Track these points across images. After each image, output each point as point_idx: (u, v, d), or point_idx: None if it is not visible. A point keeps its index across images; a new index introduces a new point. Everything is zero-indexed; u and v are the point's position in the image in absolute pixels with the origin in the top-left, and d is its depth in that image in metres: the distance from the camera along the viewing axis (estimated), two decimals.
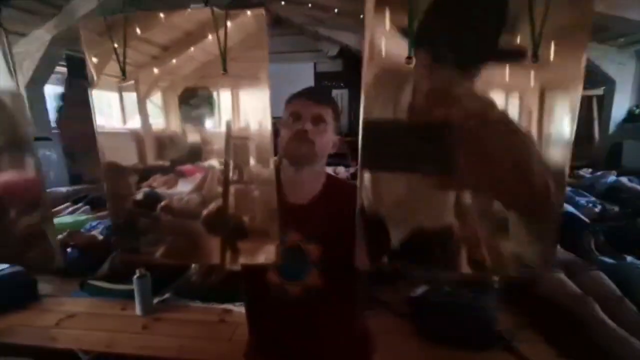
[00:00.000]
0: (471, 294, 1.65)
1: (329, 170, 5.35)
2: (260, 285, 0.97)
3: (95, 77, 0.30)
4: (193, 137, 0.41)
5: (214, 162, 0.40)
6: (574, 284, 1.75)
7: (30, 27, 4.03)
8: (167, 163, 0.42)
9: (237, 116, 0.37)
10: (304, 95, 0.93)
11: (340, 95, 7.53)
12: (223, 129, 0.39)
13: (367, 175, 0.33)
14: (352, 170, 5.60)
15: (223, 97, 0.38)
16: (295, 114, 0.90)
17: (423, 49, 0.27)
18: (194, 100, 0.38)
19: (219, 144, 0.40)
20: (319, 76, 7.53)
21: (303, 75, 7.31)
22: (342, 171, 5.59)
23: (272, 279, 0.96)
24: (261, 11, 0.29)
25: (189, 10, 0.31)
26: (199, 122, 0.40)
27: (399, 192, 0.30)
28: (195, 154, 0.41)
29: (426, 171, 0.29)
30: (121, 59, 0.28)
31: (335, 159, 6.59)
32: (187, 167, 0.42)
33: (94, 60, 0.31)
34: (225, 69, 0.29)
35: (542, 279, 1.82)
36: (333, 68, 7.51)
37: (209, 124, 0.40)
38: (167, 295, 2.08)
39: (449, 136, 0.29)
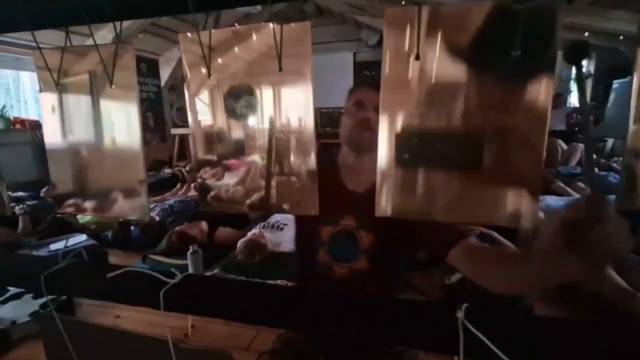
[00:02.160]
0: None
1: None
2: (311, 263, 1.02)
3: (188, 74, 0.39)
4: (237, 134, 0.42)
5: (256, 157, 0.42)
6: (622, 280, 1.67)
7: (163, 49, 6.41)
8: (214, 157, 0.46)
9: (279, 112, 0.39)
10: (368, 84, 0.99)
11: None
12: (265, 125, 0.40)
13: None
14: None
15: (265, 95, 0.41)
16: (359, 103, 0.96)
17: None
18: (238, 97, 0.42)
19: (261, 140, 0.41)
20: (358, 65, 7.45)
21: (342, 65, 7.28)
22: None
23: (321, 259, 0.99)
24: (308, 24, 0.36)
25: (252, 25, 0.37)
26: (242, 119, 0.41)
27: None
28: (239, 149, 0.43)
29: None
30: (207, 62, 0.36)
31: None
32: (232, 161, 0.44)
33: (187, 61, 0.39)
34: (280, 68, 0.37)
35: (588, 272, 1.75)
36: (373, 57, 7.38)
37: (251, 120, 0.41)
38: (215, 271, 2.30)
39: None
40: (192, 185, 4.28)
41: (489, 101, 0.32)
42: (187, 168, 4.93)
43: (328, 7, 6.65)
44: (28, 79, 6.26)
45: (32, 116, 6.17)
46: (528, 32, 0.28)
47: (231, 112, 0.42)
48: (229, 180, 0.46)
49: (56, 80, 0.46)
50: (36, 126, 5.58)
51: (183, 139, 6.46)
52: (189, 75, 0.39)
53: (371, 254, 0.97)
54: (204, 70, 0.39)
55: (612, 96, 5.91)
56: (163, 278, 0.38)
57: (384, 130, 0.35)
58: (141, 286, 0.39)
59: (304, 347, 1.07)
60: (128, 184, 0.45)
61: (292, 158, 0.39)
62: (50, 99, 0.47)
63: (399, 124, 0.35)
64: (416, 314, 0.36)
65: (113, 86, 0.43)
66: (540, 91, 0.29)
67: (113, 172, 0.45)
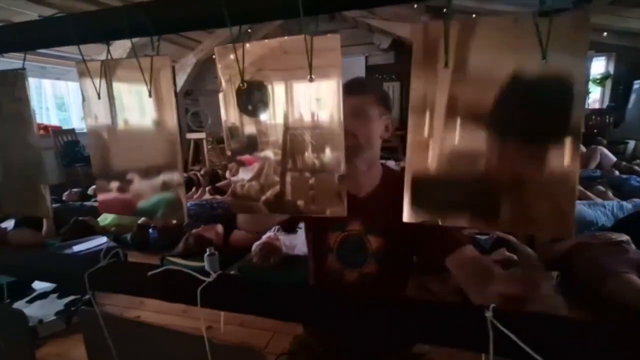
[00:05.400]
0: None
1: None
2: (322, 269, 1.04)
3: (224, 85, 0.41)
4: (250, 129, 0.43)
5: (269, 153, 0.42)
6: None
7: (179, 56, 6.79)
8: (228, 153, 0.45)
9: (292, 108, 0.40)
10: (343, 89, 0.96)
11: (391, 87, 7.41)
12: (278, 121, 0.41)
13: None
14: (402, 164, 5.53)
15: (278, 90, 0.39)
16: None
17: None
18: (250, 93, 0.40)
19: (274, 136, 0.41)
20: (370, 69, 7.45)
21: (354, 69, 7.30)
22: (392, 165, 5.55)
23: (332, 265, 1.01)
24: (337, 36, 0.38)
25: (286, 38, 0.39)
26: (255, 114, 0.41)
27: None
28: (252, 144, 0.43)
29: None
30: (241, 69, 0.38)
31: (385, 152, 6.55)
32: (246, 157, 0.45)
33: (222, 73, 0.42)
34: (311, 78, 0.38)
35: (610, 277, 1.72)
36: (385, 60, 7.38)
37: (264, 116, 0.41)
38: (232, 272, 2.34)
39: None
40: (207, 189, 4.35)
41: (516, 109, 0.33)
42: (202, 172, 5.02)
43: (340, 12, 6.71)
44: (50, 86, 6.51)
45: (54, 122, 6.41)
46: (555, 42, 0.30)
47: (257, 114, 0.44)
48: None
49: (98, 91, 0.49)
50: (58, 132, 5.80)
51: (198, 143, 6.59)
52: (223, 85, 0.42)
53: (380, 257, 0.97)
54: (238, 81, 0.41)
55: (632, 97, 5.75)
56: (199, 276, 0.40)
57: (414, 141, 0.36)
58: (178, 284, 0.41)
59: (320, 349, 1.09)
60: (167, 188, 0.47)
61: (321, 159, 0.41)
62: (92, 108, 0.50)
63: (426, 137, 0.36)
64: (443, 313, 0.37)
65: (151, 97, 0.46)
66: (571, 94, 0.30)
67: (153, 176, 0.48)
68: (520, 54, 0.32)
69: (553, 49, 0.31)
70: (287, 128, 0.43)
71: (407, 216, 0.37)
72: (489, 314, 0.33)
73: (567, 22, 0.29)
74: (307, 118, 0.41)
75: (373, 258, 0.98)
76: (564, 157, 0.33)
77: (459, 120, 0.35)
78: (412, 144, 0.36)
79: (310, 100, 0.41)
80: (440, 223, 0.36)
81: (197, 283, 0.40)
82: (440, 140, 0.36)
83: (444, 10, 0.35)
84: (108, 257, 0.47)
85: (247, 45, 0.40)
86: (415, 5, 5.40)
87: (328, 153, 0.42)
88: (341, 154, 0.40)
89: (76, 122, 6.80)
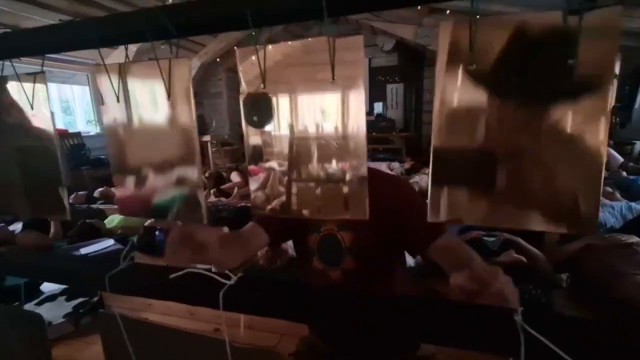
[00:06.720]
0: (535, 290, 1.60)
1: (383, 165, 5.29)
2: (309, 272, 1.06)
3: (245, 87, 0.41)
4: (255, 140, 0.44)
5: (274, 164, 0.44)
6: None
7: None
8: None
9: (296, 119, 0.40)
10: None
11: (395, 89, 7.41)
12: (283, 132, 0.42)
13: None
14: (406, 165, 5.52)
15: (282, 102, 0.40)
16: None
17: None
18: (255, 105, 0.42)
19: (279, 147, 0.42)
20: (373, 71, 7.46)
21: None
22: (396, 166, 5.55)
23: (316, 266, 1.04)
24: (360, 37, 0.38)
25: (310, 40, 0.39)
26: (260, 125, 0.43)
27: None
28: (258, 155, 0.44)
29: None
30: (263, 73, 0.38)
31: (389, 154, 6.54)
32: (252, 167, 0.46)
33: (244, 75, 0.42)
34: (333, 77, 0.38)
35: (620, 279, 1.70)
36: (388, 62, 7.39)
37: (269, 127, 0.42)
38: (239, 275, 2.34)
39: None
40: (212, 191, 4.37)
41: (545, 110, 0.33)
42: (207, 174, 5.04)
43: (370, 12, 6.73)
44: (55, 90, 6.57)
45: (60, 126, 6.46)
46: (587, 41, 0.29)
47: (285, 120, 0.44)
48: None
49: (117, 94, 0.49)
50: (65, 135, 5.85)
51: (202, 146, 6.61)
52: (245, 87, 0.42)
53: (355, 252, 0.99)
54: (259, 83, 0.41)
55: (639, 97, 5.70)
56: (220, 279, 0.40)
57: (439, 140, 0.36)
58: (200, 287, 0.41)
59: (326, 350, 1.09)
60: (187, 191, 0.47)
61: (345, 163, 0.41)
62: (111, 112, 0.50)
63: (453, 132, 0.36)
64: (467, 315, 0.36)
65: (170, 99, 0.46)
66: (599, 97, 0.30)
67: (173, 179, 0.48)
68: (550, 54, 0.32)
69: (583, 47, 0.30)
70: (293, 134, 0.42)
71: (430, 216, 0.36)
72: (518, 318, 0.33)
73: (597, 19, 0.29)
74: (331, 124, 0.41)
75: (349, 254, 1.00)
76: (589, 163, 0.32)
77: (483, 120, 0.35)
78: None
79: (333, 105, 0.40)
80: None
81: (218, 286, 0.40)
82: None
83: (447, 12, 0.34)
84: (127, 259, 0.48)
85: (269, 47, 0.40)
86: (419, 7, 5.41)
87: (352, 158, 0.41)
88: (364, 155, 0.40)
89: (81, 125, 6.85)
